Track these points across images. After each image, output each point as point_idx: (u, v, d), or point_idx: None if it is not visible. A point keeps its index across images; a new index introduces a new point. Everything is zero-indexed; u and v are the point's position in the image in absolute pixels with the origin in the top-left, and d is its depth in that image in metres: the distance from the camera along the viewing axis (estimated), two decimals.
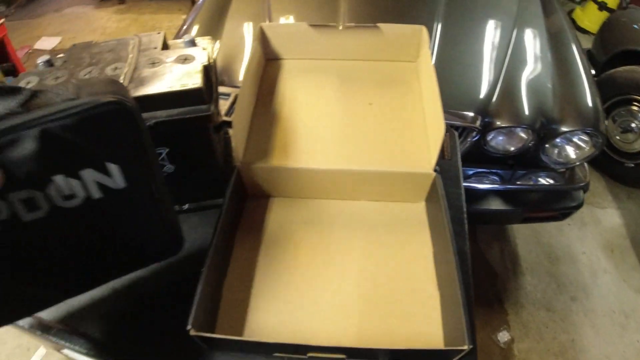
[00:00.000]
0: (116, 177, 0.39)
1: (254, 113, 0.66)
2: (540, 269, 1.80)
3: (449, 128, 0.81)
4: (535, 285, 1.75)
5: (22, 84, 0.47)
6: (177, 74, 0.47)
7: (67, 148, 0.36)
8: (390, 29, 0.73)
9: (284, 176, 0.59)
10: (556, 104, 1.33)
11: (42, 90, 0.36)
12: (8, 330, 1.76)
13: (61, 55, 0.54)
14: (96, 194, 0.39)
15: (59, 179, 0.37)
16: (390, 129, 0.63)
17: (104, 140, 0.37)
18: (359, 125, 0.64)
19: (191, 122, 0.47)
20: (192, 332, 0.41)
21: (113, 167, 0.39)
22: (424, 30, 0.72)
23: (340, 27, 0.72)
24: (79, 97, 0.36)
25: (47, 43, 3.06)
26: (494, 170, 1.42)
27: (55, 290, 0.47)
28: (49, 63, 0.52)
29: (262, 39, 0.73)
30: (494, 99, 1.30)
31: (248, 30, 1.46)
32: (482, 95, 1.30)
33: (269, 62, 0.76)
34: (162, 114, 0.46)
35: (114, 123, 0.37)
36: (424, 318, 0.51)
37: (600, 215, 2.02)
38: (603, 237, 1.92)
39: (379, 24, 0.73)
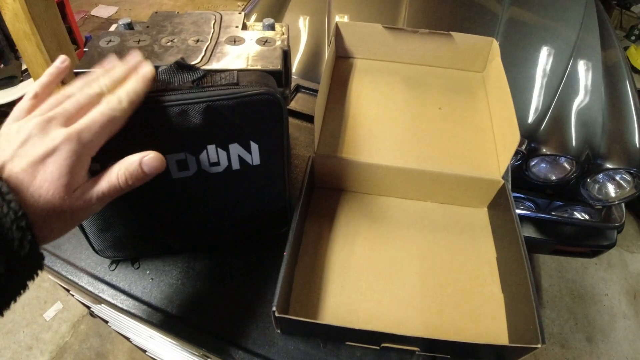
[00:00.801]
0: (254, 155, 0.45)
1: (326, 107, 0.67)
2: (561, 304, 1.78)
3: None
4: (554, 320, 1.72)
5: (102, 42, 0.49)
6: (257, 55, 0.48)
7: (224, 124, 0.41)
8: (461, 38, 0.74)
9: (354, 170, 0.61)
10: (604, 139, 1.31)
11: (211, 72, 0.41)
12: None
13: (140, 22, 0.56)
14: (236, 165, 0.45)
15: (211, 148, 0.42)
16: (459, 134, 0.64)
17: (252, 122, 0.42)
18: (428, 127, 0.64)
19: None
20: (277, 314, 0.43)
21: (254, 146, 0.44)
22: (494, 42, 0.72)
23: (418, 32, 0.73)
24: (239, 83, 0.41)
25: (103, 11, 3.16)
26: (530, 197, 1.41)
27: (178, 240, 0.54)
28: (129, 26, 0.54)
29: (337, 36, 0.74)
30: (543, 125, 1.29)
31: (305, 25, 1.48)
32: (531, 119, 1.29)
33: (339, 59, 0.78)
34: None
35: (264, 110, 0.42)
36: (489, 318, 0.52)
37: (628, 259, 1.97)
38: (628, 282, 1.88)
39: (451, 32, 0.74)
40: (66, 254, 0.56)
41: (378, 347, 0.48)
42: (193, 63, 0.46)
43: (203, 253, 0.56)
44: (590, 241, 1.45)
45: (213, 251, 0.56)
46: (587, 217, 1.43)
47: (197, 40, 0.50)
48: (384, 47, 0.75)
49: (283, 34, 0.55)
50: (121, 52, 0.47)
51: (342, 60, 0.77)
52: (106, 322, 0.83)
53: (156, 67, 0.42)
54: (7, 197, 0.27)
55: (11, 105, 2.38)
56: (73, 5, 2.82)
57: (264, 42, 0.51)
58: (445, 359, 0.49)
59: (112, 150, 0.35)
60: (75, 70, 0.44)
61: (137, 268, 0.54)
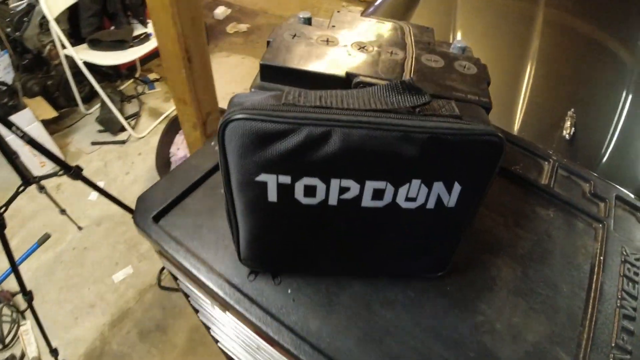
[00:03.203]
0: (453, 196, 0.41)
1: None
2: None
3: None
4: None
5: (287, 35, 0.47)
6: (461, 81, 0.44)
7: (439, 160, 0.38)
8: None
9: None
10: None
11: (432, 100, 0.37)
12: (105, 239, 1.92)
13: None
14: (431, 205, 0.41)
15: (415, 182, 0.39)
16: None
17: (467, 163, 0.38)
18: None
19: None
20: None
21: (457, 187, 0.40)
22: None
23: None
24: (462, 117, 0.37)
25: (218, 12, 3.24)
26: None
27: (332, 264, 0.51)
28: (309, 21, 0.52)
29: None
30: (604, 159, 1.18)
31: None
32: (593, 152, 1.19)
33: None
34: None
35: (484, 152, 0.38)
36: None
37: None
38: None
39: None
40: (203, 254, 0.55)
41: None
42: (389, 78, 0.43)
43: (350, 280, 0.54)
44: None
45: (360, 279, 0.54)
46: None
47: (392, 53, 0.48)
48: None
49: (479, 60, 0.51)
50: (311, 51, 0.46)
51: None
52: (196, 311, 0.84)
53: (353, 75, 0.40)
54: None
55: (116, 68, 2.50)
56: None
57: (463, 67, 0.47)
58: None
59: (312, 163, 0.35)
60: (262, 63, 0.44)
61: (278, 284, 0.52)
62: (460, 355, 0.50)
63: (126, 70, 2.67)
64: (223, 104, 1.54)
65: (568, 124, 1.16)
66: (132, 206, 0.62)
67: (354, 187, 0.38)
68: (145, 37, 2.24)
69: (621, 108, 1.26)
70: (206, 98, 1.50)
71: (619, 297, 0.61)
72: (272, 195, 0.39)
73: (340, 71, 0.45)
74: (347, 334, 0.49)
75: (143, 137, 2.35)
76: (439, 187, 0.39)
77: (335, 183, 0.38)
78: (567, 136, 1.13)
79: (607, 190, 0.75)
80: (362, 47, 0.48)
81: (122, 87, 2.60)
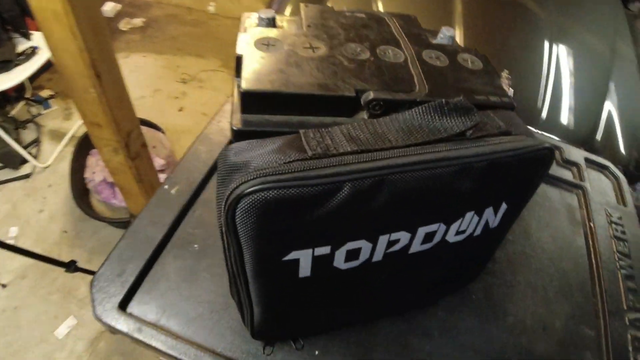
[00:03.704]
0: (498, 217, 0.35)
1: None
2: None
3: (620, 174, 0.77)
4: None
5: (258, 44, 0.37)
6: (476, 82, 0.38)
7: (494, 186, 0.32)
8: None
9: None
10: None
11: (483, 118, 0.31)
12: (35, 293, 1.68)
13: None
14: (478, 231, 0.35)
15: (469, 215, 0.33)
16: None
17: (517, 181, 0.33)
18: None
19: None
20: None
21: (503, 207, 0.35)
22: None
23: None
24: (509, 132, 0.31)
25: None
26: None
27: (358, 314, 0.44)
28: (272, 22, 0.41)
29: None
30: (600, 134, 1.26)
31: None
32: (588, 128, 1.27)
33: None
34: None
35: (536, 166, 0.33)
36: None
37: None
38: None
39: None
40: (196, 336, 0.45)
41: None
42: (405, 89, 0.36)
43: (378, 322, 0.48)
44: None
45: (388, 317, 0.48)
46: None
47: (391, 54, 0.40)
48: None
49: (476, 51, 0.46)
50: (300, 66, 0.37)
51: None
52: None
53: (362, 92, 0.33)
54: None
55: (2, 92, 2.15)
56: None
57: (467, 61, 0.42)
58: None
59: (359, 223, 0.29)
60: (245, 89, 0.35)
61: (301, 348, 0.44)
62: None
63: (14, 92, 2.30)
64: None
65: (504, 85, 1.19)
66: (57, 250, 0.49)
67: (404, 238, 0.32)
68: (32, 52, 1.93)
69: (548, 60, 1.32)
70: (124, 116, 1.32)
71: (616, 259, 0.62)
72: (305, 271, 0.31)
73: (349, 89, 0.36)
74: None
75: (49, 166, 2.07)
76: (488, 212, 0.34)
77: (383, 239, 0.31)
78: None
79: (575, 154, 0.77)
80: (355, 51, 0.40)
81: (12, 113, 2.24)
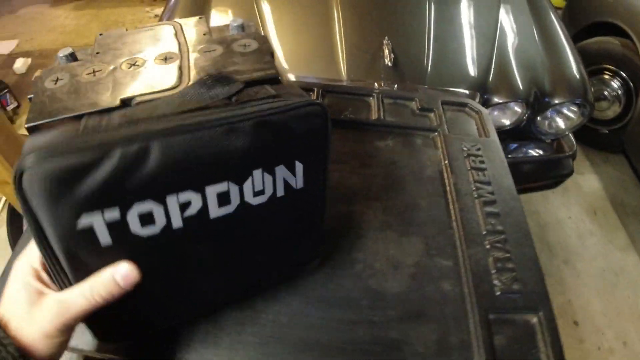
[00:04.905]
0: (299, 177, 0.40)
1: None
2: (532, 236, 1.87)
3: (481, 107, 0.82)
4: None
5: (49, 83, 0.40)
6: (245, 62, 0.43)
7: (271, 144, 0.36)
8: None
9: None
10: (546, 76, 1.38)
11: (246, 87, 0.37)
12: None
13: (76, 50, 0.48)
14: (280, 191, 0.39)
15: (257, 173, 0.37)
16: None
17: (299, 139, 0.38)
18: None
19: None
20: None
21: (299, 166, 0.39)
22: None
23: None
24: (280, 96, 0.36)
25: (2, 47, 2.85)
26: None
27: (215, 295, 0.47)
28: (73, 57, 0.46)
29: None
30: (491, 75, 1.32)
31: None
32: (478, 72, 1.32)
33: None
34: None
35: (311, 123, 0.37)
36: None
37: (581, 181, 2.11)
38: (585, 201, 2.02)
39: None
40: None
41: None
42: (170, 86, 0.40)
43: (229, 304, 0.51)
44: (552, 173, 1.53)
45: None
46: (541, 152, 1.51)
47: (166, 58, 0.44)
48: None
49: (258, 33, 0.50)
50: (77, 91, 0.40)
51: None
52: None
53: (129, 99, 0.37)
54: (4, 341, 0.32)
55: None
56: None
57: (243, 46, 0.46)
58: None
59: (138, 185, 0.33)
60: (27, 126, 0.37)
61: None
62: (354, 310, 0.52)
63: None
64: None
65: (386, 52, 1.24)
66: None
67: (195, 199, 0.36)
68: None
69: (428, 18, 1.37)
70: None
71: (474, 188, 0.67)
72: (105, 238, 0.34)
73: (113, 101, 0.40)
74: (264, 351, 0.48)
75: None
76: (281, 171, 0.38)
77: (172, 200, 0.35)
78: (389, 63, 1.21)
79: (433, 100, 0.82)
80: (132, 64, 0.44)
81: None
